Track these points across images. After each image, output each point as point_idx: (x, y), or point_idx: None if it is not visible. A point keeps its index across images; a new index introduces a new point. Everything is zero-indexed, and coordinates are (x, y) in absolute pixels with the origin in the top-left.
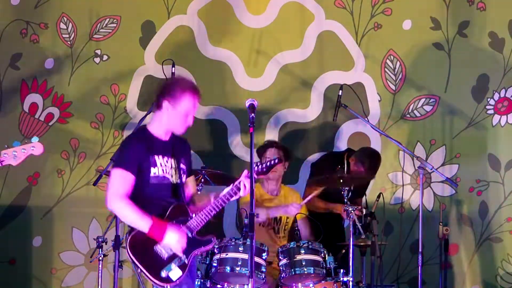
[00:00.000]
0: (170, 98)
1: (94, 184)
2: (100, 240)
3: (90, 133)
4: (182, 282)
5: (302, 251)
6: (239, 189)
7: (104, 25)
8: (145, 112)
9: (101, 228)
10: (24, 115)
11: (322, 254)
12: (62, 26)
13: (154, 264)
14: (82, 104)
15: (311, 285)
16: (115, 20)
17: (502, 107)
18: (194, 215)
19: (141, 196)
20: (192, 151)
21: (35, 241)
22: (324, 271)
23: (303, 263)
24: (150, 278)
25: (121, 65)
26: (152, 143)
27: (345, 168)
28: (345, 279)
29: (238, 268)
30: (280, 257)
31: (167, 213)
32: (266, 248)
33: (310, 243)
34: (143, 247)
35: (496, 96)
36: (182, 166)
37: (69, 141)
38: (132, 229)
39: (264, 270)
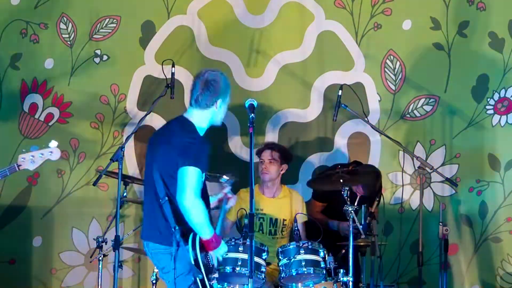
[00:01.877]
0: (223, 94)
1: (94, 184)
2: (100, 240)
3: (90, 133)
4: None
5: (302, 251)
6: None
7: (104, 25)
8: (145, 112)
9: (101, 228)
10: (24, 115)
11: (322, 254)
12: (62, 26)
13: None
14: (82, 104)
15: (311, 285)
16: (115, 20)
17: (502, 107)
18: None
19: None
20: None
21: (35, 241)
22: (324, 271)
23: (303, 263)
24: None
25: (121, 65)
26: None
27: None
28: (345, 279)
29: (238, 268)
30: (280, 257)
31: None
32: (266, 248)
33: (310, 243)
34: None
35: (496, 96)
36: None
37: (69, 141)
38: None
39: (264, 270)
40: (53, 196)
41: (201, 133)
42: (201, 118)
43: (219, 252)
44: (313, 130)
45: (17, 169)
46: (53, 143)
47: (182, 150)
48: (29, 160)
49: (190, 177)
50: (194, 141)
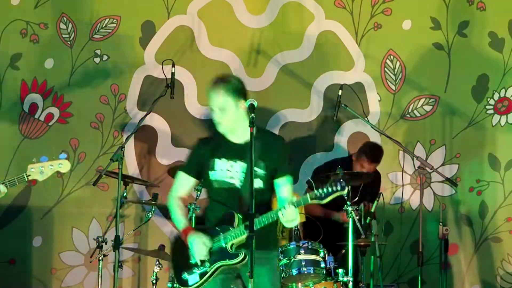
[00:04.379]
0: (245, 96)
1: (94, 184)
2: (100, 240)
3: (90, 133)
4: None
5: (302, 251)
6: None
7: (104, 25)
8: (145, 112)
9: (101, 228)
10: (24, 115)
11: (322, 254)
12: (62, 26)
13: (182, 264)
14: (82, 104)
15: (311, 285)
16: (115, 20)
17: (502, 107)
18: (233, 227)
19: (209, 198)
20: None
21: (35, 241)
22: (324, 271)
23: (303, 263)
24: (174, 275)
25: (121, 65)
26: (219, 146)
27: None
28: (345, 279)
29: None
30: (280, 257)
31: (218, 218)
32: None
33: (310, 243)
34: (182, 247)
35: (496, 96)
36: (257, 170)
37: (69, 141)
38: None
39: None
40: (53, 196)
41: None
42: None
43: (190, 245)
44: (313, 130)
45: (26, 179)
46: (63, 155)
47: None
48: (38, 171)
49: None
50: None
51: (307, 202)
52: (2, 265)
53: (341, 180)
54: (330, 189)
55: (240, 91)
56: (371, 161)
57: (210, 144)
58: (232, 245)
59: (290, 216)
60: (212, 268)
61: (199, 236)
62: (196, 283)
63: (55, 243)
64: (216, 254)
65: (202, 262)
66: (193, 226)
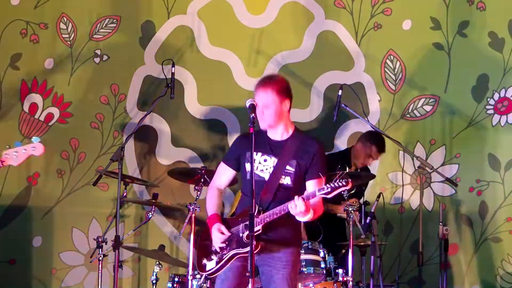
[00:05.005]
0: (291, 98)
1: (94, 184)
2: (100, 240)
3: (90, 133)
4: (223, 277)
5: (302, 251)
6: (288, 208)
7: (104, 25)
8: (145, 112)
9: (101, 228)
10: (24, 115)
11: (322, 254)
12: (62, 26)
13: (204, 250)
14: (82, 104)
15: (311, 285)
16: (115, 20)
17: (502, 107)
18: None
19: (241, 188)
20: (193, 151)
21: (35, 241)
22: (324, 271)
23: (303, 263)
24: (196, 260)
25: (121, 65)
26: (257, 140)
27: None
28: (345, 279)
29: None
30: None
31: (243, 210)
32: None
33: (310, 243)
34: (207, 234)
35: (496, 96)
36: (288, 168)
37: (69, 141)
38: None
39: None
40: (53, 196)
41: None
42: None
43: (212, 234)
44: (313, 130)
45: (1, 165)
46: (36, 139)
47: None
48: (13, 156)
49: None
50: None
51: (314, 196)
52: (2, 265)
53: (346, 177)
54: (335, 185)
55: (288, 92)
56: (380, 151)
57: (251, 138)
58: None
59: (299, 208)
60: (227, 256)
61: (219, 224)
62: (212, 268)
63: (55, 243)
64: (233, 243)
65: (221, 249)
66: (193, 226)
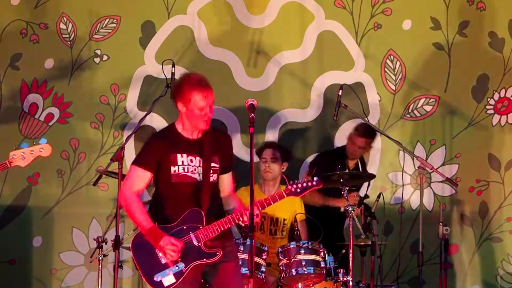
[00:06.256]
0: (180, 99)
1: (94, 184)
2: (100, 240)
3: (90, 133)
4: None
5: (302, 251)
6: (239, 219)
7: (104, 25)
8: (145, 112)
9: (101, 228)
10: (24, 115)
11: (322, 254)
12: (62, 26)
13: (152, 266)
14: (82, 104)
15: (311, 285)
16: (115, 20)
17: (502, 107)
18: (203, 225)
19: (164, 194)
20: None
21: (35, 241)
22: (324, 271)
23: (303, 263)
24: (144, 279)
25: (121, 65)
26: (176, 141)
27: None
28: (345, 279)
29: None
30: (280, 257)
31: (182, 216)
32: (266, 248)
33: (310, 243)
34: (147, 248)
35: (496, 96)
36: (213, 165)
37: (69, 141)
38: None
39: (263, 270)
40: (53, 196)
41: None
42: None
43: (163, 246)
44: (313, 130)
45: (8, 165)
46: (43, 140)
47: None
48: (20, 157)
49: (127, 175)
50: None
51: (283, 197)
52: (2, 265)
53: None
54: (305, 185)
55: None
56: (360, 135)
57: (169, 139)
58: (205, 243)
59: (245, 221)
60: (188, 268)
61: (169, 237)
62: (172, 283)
63: (55, 243)
64: (191, 253)
65: (175, 262)
66: None
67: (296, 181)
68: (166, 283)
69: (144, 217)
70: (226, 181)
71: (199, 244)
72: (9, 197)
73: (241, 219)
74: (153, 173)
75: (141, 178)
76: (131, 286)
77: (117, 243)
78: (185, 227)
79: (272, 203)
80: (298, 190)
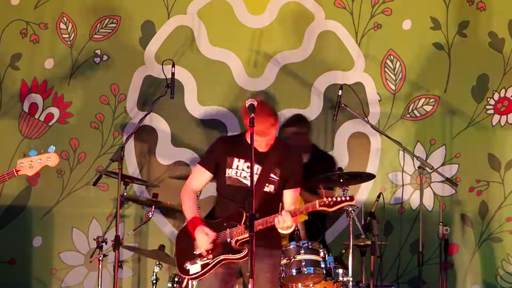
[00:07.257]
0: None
1: (94, 184)
2: (100, 240)
3: (90, 133)
4: (208, 283)
5: (302, 251)
6: (271, 222)
7: (104, 25)
8: (145, 112)
9: (101, 228)
10: (24, 115)
11: (322, 254)
12: (62, 26)
13: (186, 254)
14: (82, 104)
15: (311, 285)
16: (115, 20)
17: (502, 107)
18: (240, 224)
19: (219, 194)
20: (193, 151)
21: (35, 241)
22: (324, 271)
23: (303, 263)
24: (176, 264)
25: (121, 65)
26: (238, 146)
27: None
28: (345, 279)
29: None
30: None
31: (227, 214)
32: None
33: (310, 243)
34: (188, 238)
35: (496, 96)
36: (272, 176)
37: (69, 141)
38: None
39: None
40: (53, 196)
41: None
42: None
43: (196, 238)
44: (313, 130)
45: (15, 174)
46: (51, 148)
47: None
48: (28, 165)
49: None
50: None
51: (315, 209)
52: (2, 265)
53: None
54: (339, 199)
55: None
56: (287, 126)
57: (232, 143)
58: (236, 241)
59: (286, 224)
60: (215, 261)
61: (204, 227)
62: (197, 272)
63: (55, 243)
64: (220, 248)
65: (206, 253)
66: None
67: (331, 196)
68: (191, 271)
69: (190, 209)
70: (289, 196)
71: (230, 240)
72: (9, 197)
73: (275, 222)
74: (212, 173)
75: (200, 176)
76: (131, 286)
77: (117, 243)
78: (224, 224)
79: (304, 212)
80: (332, 203)
